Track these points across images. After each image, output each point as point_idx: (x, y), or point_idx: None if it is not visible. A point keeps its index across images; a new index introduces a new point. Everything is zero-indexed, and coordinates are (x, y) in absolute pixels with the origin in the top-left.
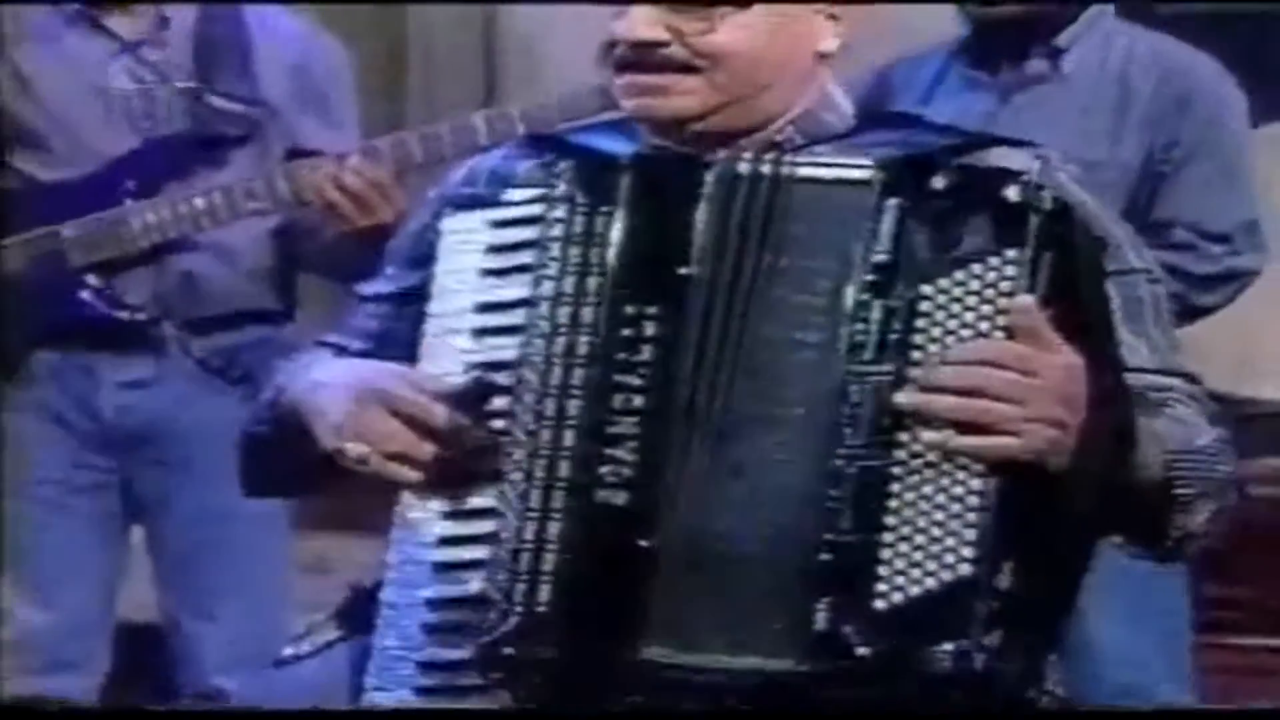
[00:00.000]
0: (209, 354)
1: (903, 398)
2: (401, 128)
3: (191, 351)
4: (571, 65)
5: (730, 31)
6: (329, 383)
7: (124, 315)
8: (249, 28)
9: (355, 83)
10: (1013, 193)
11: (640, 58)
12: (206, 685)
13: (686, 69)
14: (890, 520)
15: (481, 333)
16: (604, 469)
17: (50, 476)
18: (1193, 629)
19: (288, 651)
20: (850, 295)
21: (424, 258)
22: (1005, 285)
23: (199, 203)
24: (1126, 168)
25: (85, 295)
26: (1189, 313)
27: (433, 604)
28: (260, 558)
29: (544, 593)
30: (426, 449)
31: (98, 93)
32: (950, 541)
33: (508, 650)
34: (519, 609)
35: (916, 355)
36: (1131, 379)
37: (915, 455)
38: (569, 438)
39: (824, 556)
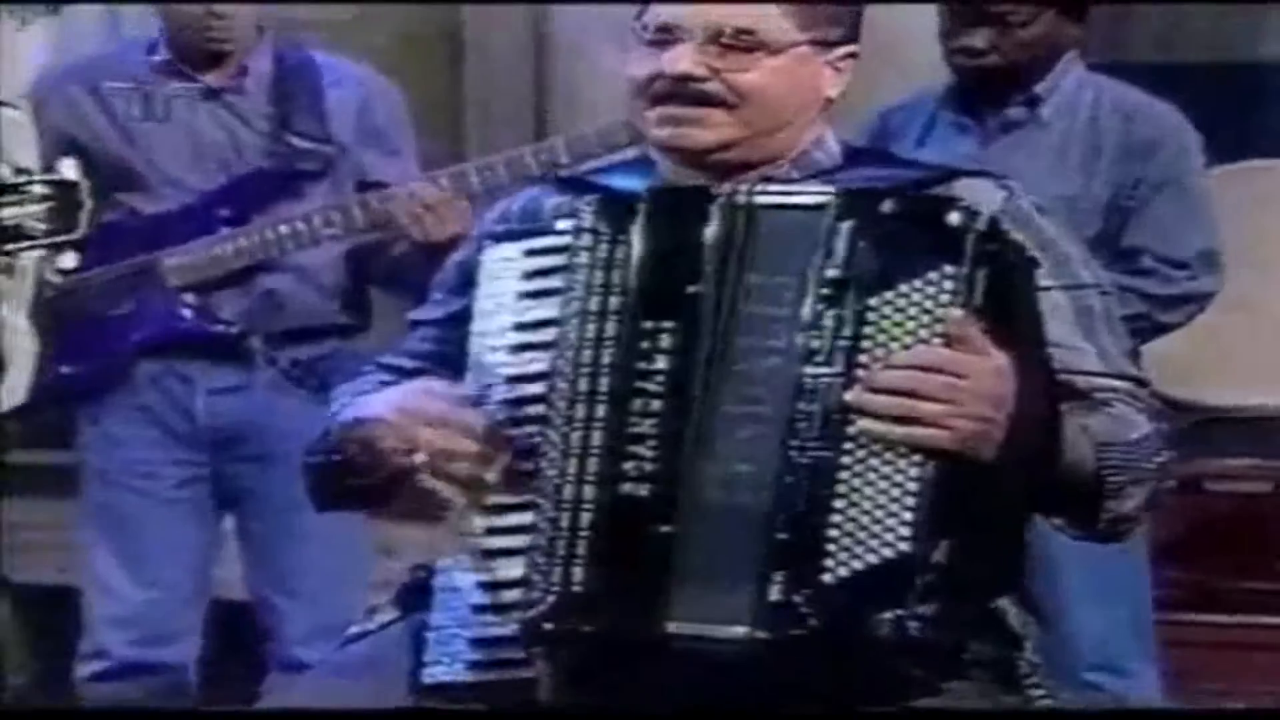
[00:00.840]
0: (290, 364)
1: (849, 395)
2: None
3: (275, 362)
4: (607, 110)
5: (762, 74)
6: (369, 414)
7: (217, 330)
8: (319, 75)
9: (419, 126)
10: (953, 217)
11: (679, 91)
12: (288, 656)
13: (719, 103)
14: (838, 503)
15: (518, 348)
16: (627, 465)
17: (151, 471)
18: (1155, 608)
19: (353, 630)
20: (808, 306)
21: (466, 285)
22: (944, 298)
23: (281, 230)
24: (1097, 201)
25: (183, 312)
26: (1154, 329)
27: (481, 587)
28: (335, 542)
29: (578, 574)
30: (466, 449)
31: (188, 135)
32: (891, 522)
33: (548, 625)
34: (557, 589)
35: (863, 359)
36: (1081, 381)
37: (860, 446)
38: (597, 439)
39: (780, 535)
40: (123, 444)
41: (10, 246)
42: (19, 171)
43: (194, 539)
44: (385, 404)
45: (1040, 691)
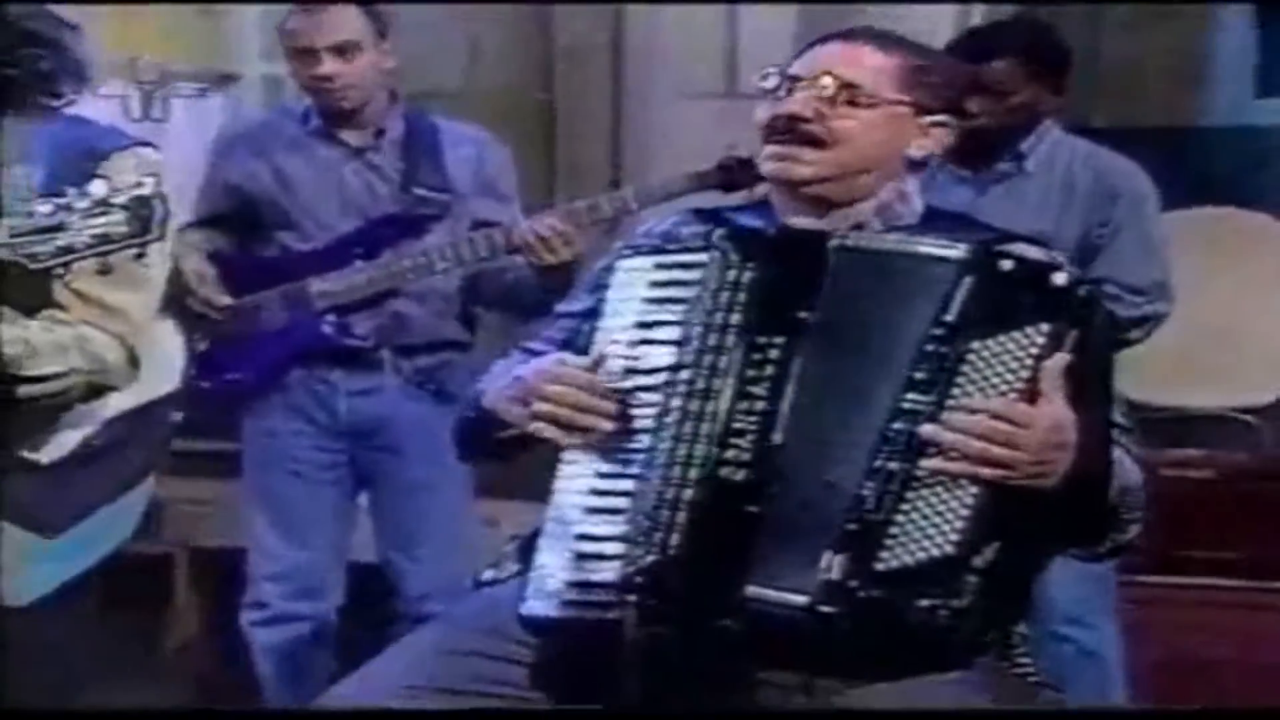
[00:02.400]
0: (414, 371)
1: (925, 429)
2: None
3: (401, 370)
4: (675, 164)
5: (858, 122)
6: (513, 376)
7: (354, 343)
8: (440, 135)
9: (521, 177)
10: (1059, 279)
11: (788, 129)
12: (411, 608)
13: (818, 143)
14: (904, 507)
15: (636, 343)
16: (729, 454)
17: (301, 457)
18: (1117, 571)
19: (487, 575)
20: (919, 343)
21: (601, 287)
22: (1035, 350)
23: (405, 263)
24: (1071, 239)
25: (327, 329)
26: (1119, 345)
27: (582, 538)
28: (449, 514)
29: (675, 539)
30: (591, 403)
31: (335, 186)
32: (943, 529)
33: (642, 579)
34: (655, 549)
35: (956, 393)
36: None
37: (933, 470)
38: (704, 429)
39: (850, 526)
40: (278, 435)
41: (102, 249)
42: (115, 192)
43: (335, 512)
44: (525, 369)
45: (1027, 660)
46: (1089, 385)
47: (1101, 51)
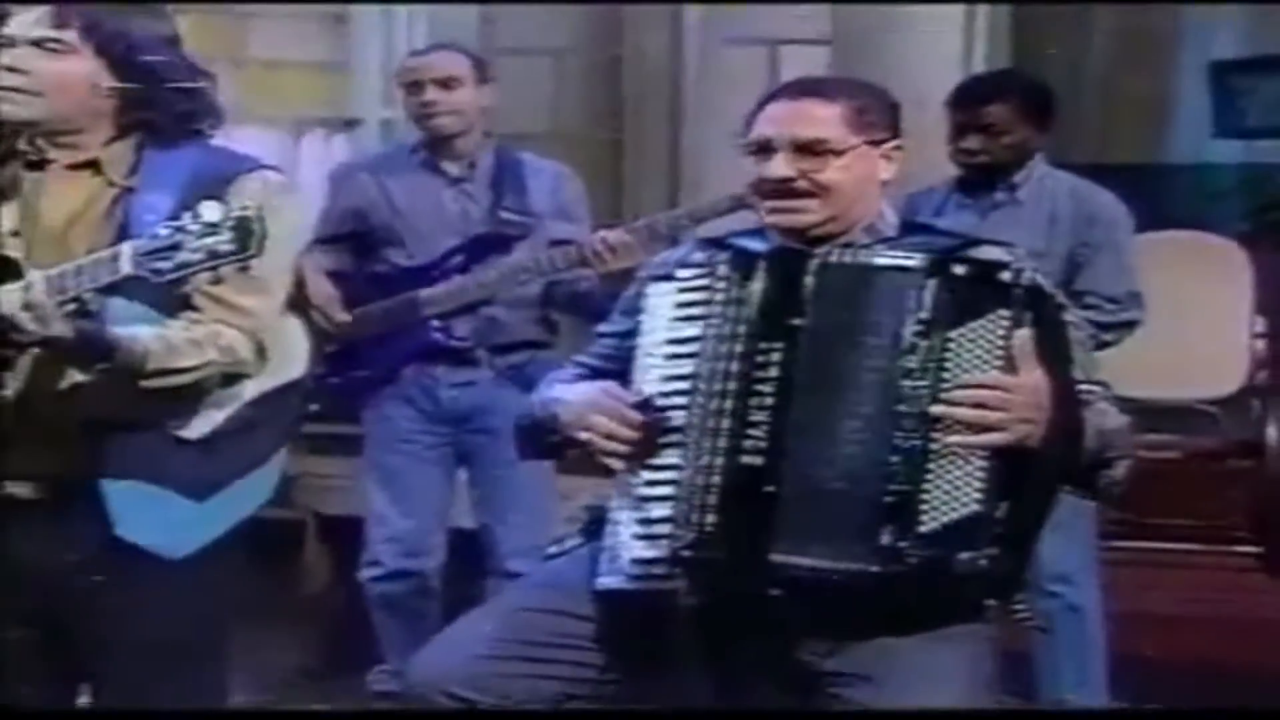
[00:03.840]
0: (505, 367)
1: (935, 409)
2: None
3: (494, 366)
4: (722, 190)
5: (834, 171)
6: (565, 399)
7: (455, 344)
8: (524, 168)
9: (595, 203)
10: (1005, 276)
11: (780, 189)
12: (503, 568)
13: (809, 195)
14: (929, 476)
15: (670, 357)
16: (746, 443)
17: (410, 439)
18: (1098, 537)
19: (552, 549)
20: (904, 338)
21: (635, 310)
22: (1000, 331)
23: (496, 276)
24: (1058, 257)
25: (433, 333)
26: (1099, 346)
27: (639, 522)
28: (534, 488)
29: (710, 519)
30: (623, 434)
31: (436, 210)
32: (966, 490)
33: (687, 553)
34: (694, 528)
35: (945, 375)
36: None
37: (944, 440)
38: (726, 424)
39: (887, 499)
40: (392, 421)
41: (211, 264)
42: (224, 214)
43: (439, 485)
44: (575, 393)
45: (1025, 607)
46: (1051, 352)
47: (1081, 97)
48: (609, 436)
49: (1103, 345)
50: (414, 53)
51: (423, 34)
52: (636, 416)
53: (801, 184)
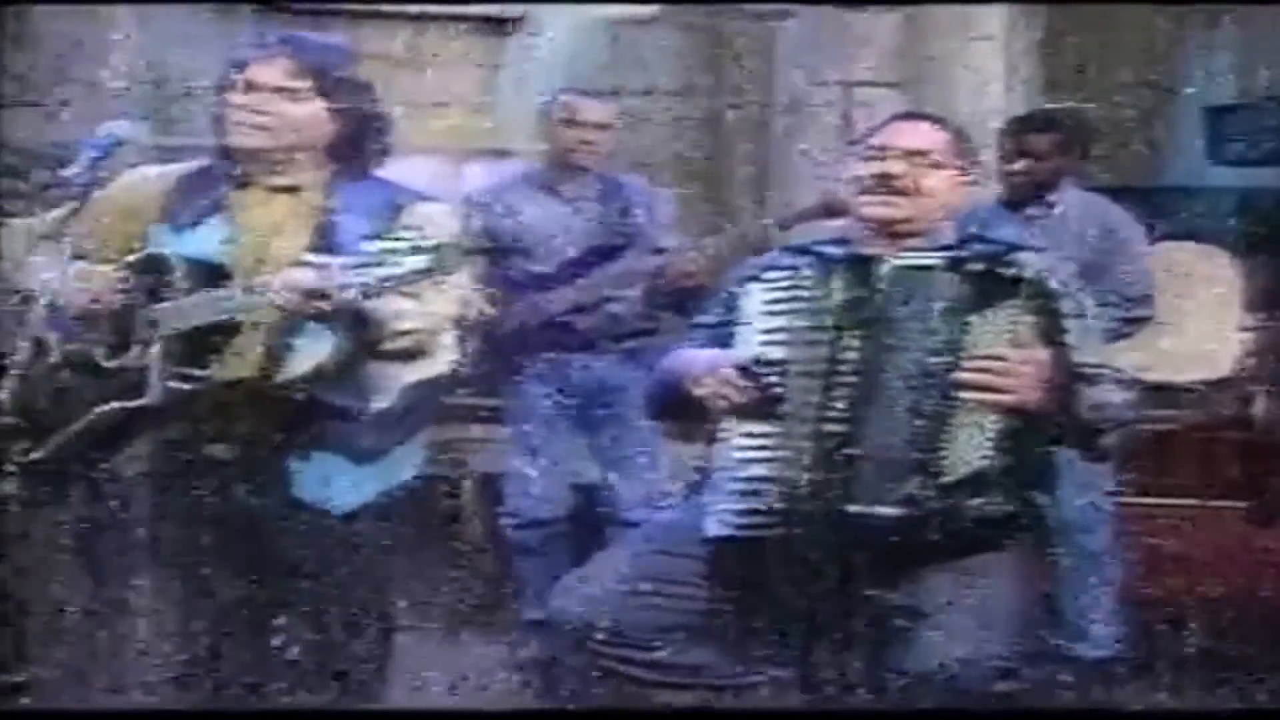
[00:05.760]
0: (619, 350)
1: (954, 376)
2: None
3: (612, 350)
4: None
5: (931, 179)
6: (688, 365)
7: (580, 334)
8: (624, 187)
9: (698, 216)
10: (1012, 272)
11: (883, 185)
12: (621, 517)
13: (904, 194)
14: (947, 435)
15: (763, 343)
16: (830, 413)
17: (545, 408)
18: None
19: (667, 500)
20: (934, 323)
21: (730, 306)
22: (1010, 317)
23: (606, 279)
24: (1083, 263)
25: (561, 325)
26: (1115, 339)
27: (736, 479)
28: (646, 450)
29: (802, 477)
30: (733, 392)
31: (558, 225)
32: (976, 450)
33: (779, 505)
34: (787, 484)
35: (963, 353)
36: (1085, 370)
37: (963, 403)
38: (813, 396)
39: (914, 455)
40: (529, 396)
41: (409, 280)
42: (421, 240)
43: (566, 445)
44: (696, 359)
45: (1052, 550)
46: (1050, 334)
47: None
48: (723, 394)
49: (1121, 336)
50: (571, 95)
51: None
52: (743, 379)
53: (902, 182)
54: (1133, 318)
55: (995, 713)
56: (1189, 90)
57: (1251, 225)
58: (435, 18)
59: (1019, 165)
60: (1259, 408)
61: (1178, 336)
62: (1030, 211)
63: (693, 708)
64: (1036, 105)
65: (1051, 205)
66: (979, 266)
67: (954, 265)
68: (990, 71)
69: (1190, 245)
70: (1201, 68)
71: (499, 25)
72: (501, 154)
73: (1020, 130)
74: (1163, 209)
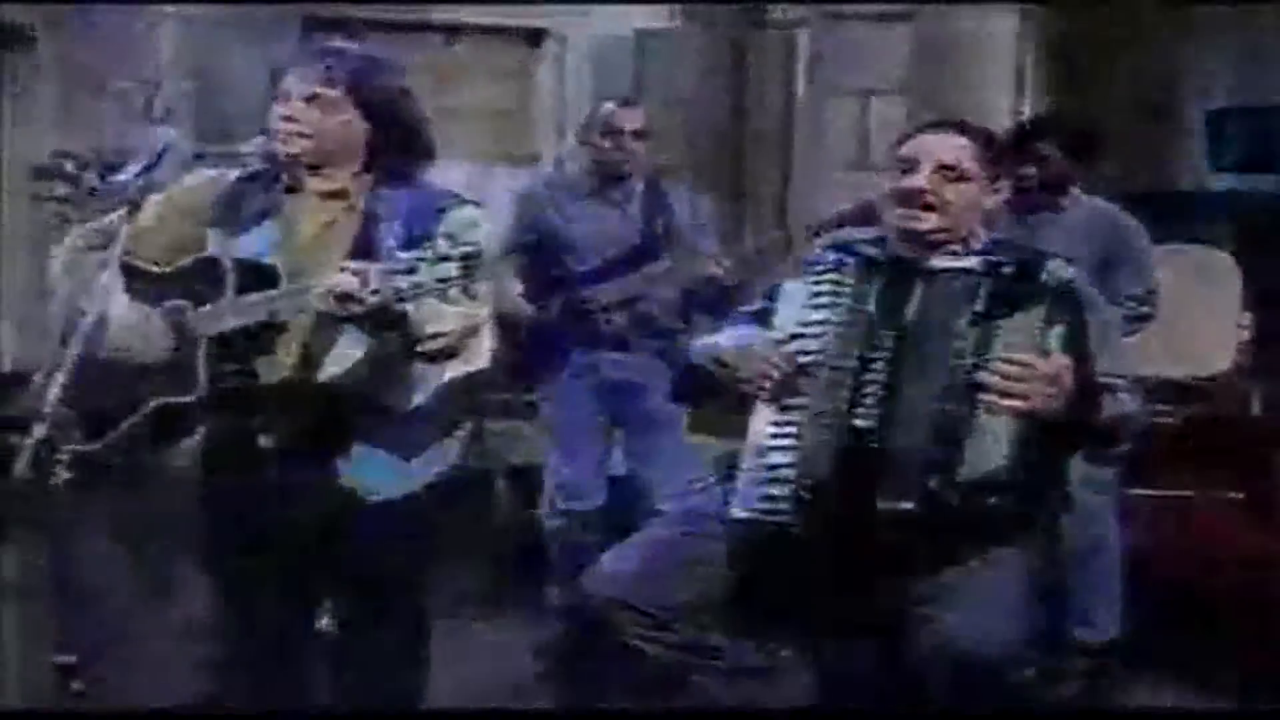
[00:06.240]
0: (650, 348)
1: (979, 376)
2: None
3: (644, 347)
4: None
5: (958, 192)
6: (726, 347)
7: (615, 330)
8: (666, 193)
9: (726, 219)
10: (1042, 277)
11: (912, 198)
12: (651, 506)
13: (932, 208)
14: (970, 436)
15: (798, 336)
16: (860, 409)
17: (577, 405)
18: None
19: (698, 485)
20: (963, 326)
21: (770, 297)
22: (1037, 322)
23: (643, 278)
24: (1090, 263)
25: (598, 322)
26: (1124, 335)
27: (765, 466)
28: (674, 443)
29: (824, 465)
30: (771, 373)
31: (601, 225)
32: (996, 450)
33: (805, 494)
34: (814, 473)
35: (990, 357)
36: (1103, 378)
37: (983, 405)
38: (843, 393)
39: (934, 456)
40: (563, 390)
41: (440, 286)
42: (452, 248)
43: (600, 442)
44: (734, 341)
45: (1060, 540)
46: (1076, 342)
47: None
48: (761, 375)
49: (1126, 334)
50: (612, 106)
51: (589, 88)
52: (781, 360)
53: (930, 197)
54: (1137, 315)
55: (996, 712)
56: (1191, 99)
57: (1250, 228)
58: (468, 29)
59: (1028, 169)
60: (1254, 403)
61: (1179, 333)
62: (1039, 215)
63: (693, 708)
64: (1044, 113)
65: (1059, 209)
66: (1010, 272)
67: (987, 271)
68: (999, 80)
69: (1192, 247)
70: (1203, 78)
71: (529, 36)
72: (531, 159)
73: (1028, 137)
74: (1166, 213)
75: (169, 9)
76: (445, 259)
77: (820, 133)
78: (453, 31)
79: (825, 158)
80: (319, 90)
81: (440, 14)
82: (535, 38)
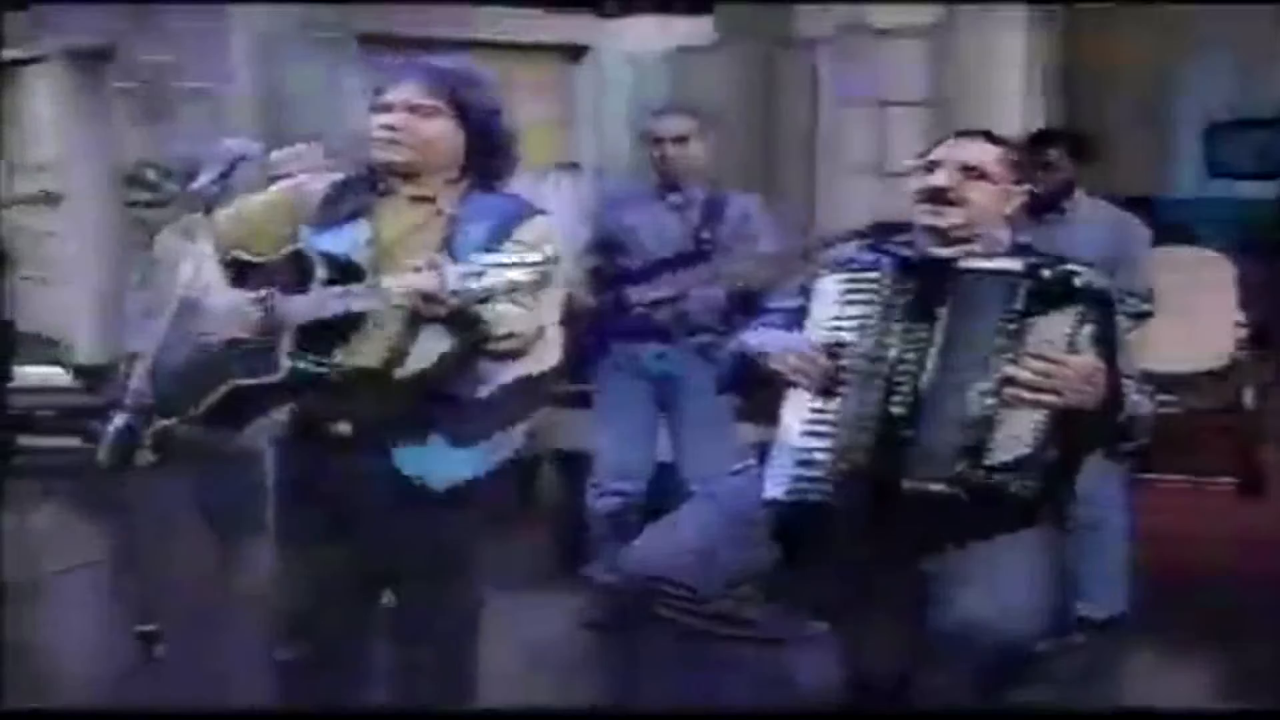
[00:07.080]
0: (692, 344)
1: (1009, 370)
2: None
3: (686, 343)
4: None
5: (979, 192)
6: (769, 342)
7: (659, 326)
8: (726, 201)
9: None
10: (1078, 281)
11: (936, 195)
12: (689, 488)
13: (955, 204)
14: (998, 425)
15: (833, 329)
16: (894, 399)
17: (624, 395)
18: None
19: (737, 466)
20: (1000, 323)
21: (804, 293)
22: (1070, 322)
23: (687, 279)
24: (1093, 263)
25: (645, 319)
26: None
27: (800, 449)
28: (715, 431)
29: (861, 452)
30: (811, 368)
31: (659, 229)
32: (1023, 438)
33: (839, 477)
34: (849, 457)
35: (1024, 351)
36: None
37: (1016, 399)
38: (878, 383)
39: (966, 443)
40: (611, 381)
41: (511, 290)
42: (524, 254)
43: (645, 427)
44: (776, 337)
45: (1070, 522)
46: (1105, 343)
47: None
48: (800, 370)
49: (1127, 330)
50: (656, 114)
51: (626, 99)
52: (823, 357)
53: (952, 195)
54: (1137, 313)
55: (997, 712)
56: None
57: (1245, 232)
58: (516, 46)
59: (1036, 176)
60: (1249, 395)
61: (1178, 330)
62: (1046, 217)
63: (700, 708)
64: (1053, 121)
65: (1064, 211)
66: (1050, 275)
67: (1028, 272)
68: (1011, 90)
69: (1191, 249)
70: (1202, 89)
71: (572, 53)
72: (574, 167)
73: (1038, 143)
74: (1165, 216)
75: (238, 25)
76: (519, 264)
77: (842, 142)
78: (502, 48)
79: (847, 165)
80: (422, 101)
81: (485, 32)
82: (576, 54)
